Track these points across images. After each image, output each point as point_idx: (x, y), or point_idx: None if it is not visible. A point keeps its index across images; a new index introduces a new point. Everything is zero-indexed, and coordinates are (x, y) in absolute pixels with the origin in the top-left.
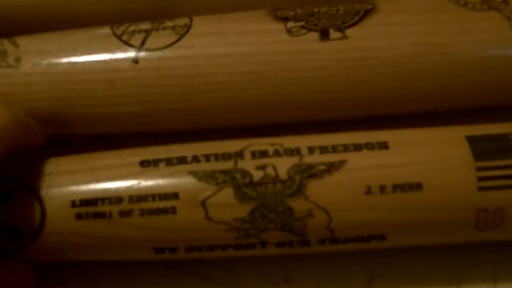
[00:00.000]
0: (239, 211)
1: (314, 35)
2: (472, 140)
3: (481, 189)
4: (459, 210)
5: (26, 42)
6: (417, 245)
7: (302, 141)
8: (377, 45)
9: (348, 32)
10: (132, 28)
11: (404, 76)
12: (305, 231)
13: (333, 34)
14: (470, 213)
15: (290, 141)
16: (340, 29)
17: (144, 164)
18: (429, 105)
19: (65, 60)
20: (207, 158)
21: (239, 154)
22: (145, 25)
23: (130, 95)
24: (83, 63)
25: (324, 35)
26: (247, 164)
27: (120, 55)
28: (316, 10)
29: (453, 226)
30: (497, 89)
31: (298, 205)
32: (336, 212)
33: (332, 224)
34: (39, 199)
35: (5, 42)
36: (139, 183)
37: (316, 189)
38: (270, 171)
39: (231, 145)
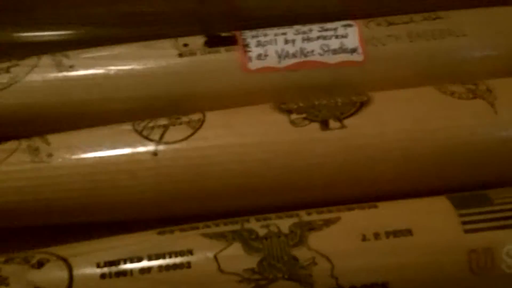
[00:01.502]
0: (248, 262)
1: (316, 125)
2: (451, 197)
3: (467, 231)
4: (450, 252)
5: (56, 140)
6: None
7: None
8: (374, 132)
9: (346, 122)
10: (151, 124)
11: (399, 160)
12: (311, 280)
13: (333, 124)
14: (461, 254)
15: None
16: (339, 119)
17: (161, 232)
18: (424, 185)
19: (91, 154)
20: (217, 224)
21: (245, 219)
22: (163, 121)
23: (151, 184)
24: (108, 156)
25: (325, 125)
26: (252, 225)
27: (141, 148)
28: (316, 103)
29: (448, 268)
30: (484, 168)
31: (302, 254)
32: (337, 258)
33: (335, 272)
34: (68, 264)
35: (37, 140)
36: (157, 244)
37: (317, 239)
38: (273, 228)
39: (236, 217)
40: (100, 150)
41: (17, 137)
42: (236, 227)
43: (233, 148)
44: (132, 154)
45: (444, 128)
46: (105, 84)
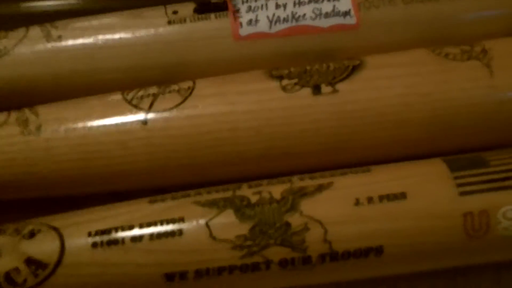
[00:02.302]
0: (240, 229)
1: (307, 91)
2: (447, 160)
3: (462, 194)
4: (445, 215)
5: (45, 111)
6: (416, 266)
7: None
8: (366, 97)
9: (339, 86)
10: (141, 93)
11: (392, 125)
12: (304, 245)
13: (325, 89)
14: (456, 217)
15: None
16: (331, 84)
17: (152, 201)
18: (418, 151)
19: (81, 125)
20: (208, 191)
21: (237, 186)
22: (153, 90)
23: (142, 154)
24: (98, 127)
25: (317, 90)
26: (244, 191)
27: (130, 118)
28: (308, 68)
29: (443, 232)
30: (480, 133)
31: (294, 220)
32: (330, 223)
33: (329, 236)
34: (59, 233)
35: (27, 112)
36: (148, 213)
37: (309, 205)
38: (265, 194)
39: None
40: (90, 120)
41: (6, 109)
42: (228, 194)
43: (223, 117)
44: (122, 124)
45: (438, 91)
46: (94, 54)
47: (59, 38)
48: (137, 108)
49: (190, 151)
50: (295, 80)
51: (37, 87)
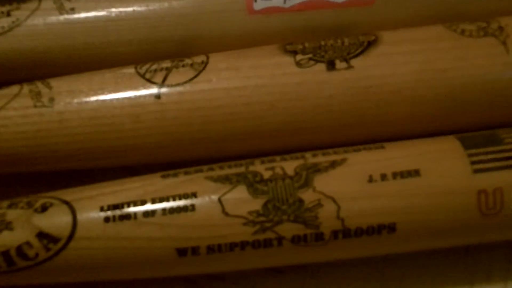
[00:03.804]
0: (253, 204)
1: (322, 66)
2: (461, 137)
3: (476, 171)
4: (459, 192)
5: (58, 83)
6: (429, 244)
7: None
8: (381, 73)
9: (353, 62)
10: (154, 67)
11: (408, 101)
12: (317, 222)
13: (339, 64)
14: (470, 195)
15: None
16: (346, 60)
17: (165, 175)
18: (433, 127)
19: (94, 98)
20: (221, 167)
21: (250, 162)
22: (166, 64)
23: (155, 128)
24: (111, 100)
25: (331, 65)
26: (257, 167)
27: (143, 91)
28: (323, 43)
29: (457, 210)
30: (495, 109)
31: (307, 196)
32: (343, 200)
33: (342, 213)
34: (71, 208)
35: (39, 84)
36: (161, 187)
37: (322, 181)
38: (278, 170)
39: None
40: (103, 93)
41: (19, 81)
42: (241, 169)
43: (237, 91)
44: (135, 98)
45: (453, 68)
46: (106, 27)
47: (72, 10)
48: (150, 82)
49: (203, 125)
50: (309, 55)
51: (49, 60)
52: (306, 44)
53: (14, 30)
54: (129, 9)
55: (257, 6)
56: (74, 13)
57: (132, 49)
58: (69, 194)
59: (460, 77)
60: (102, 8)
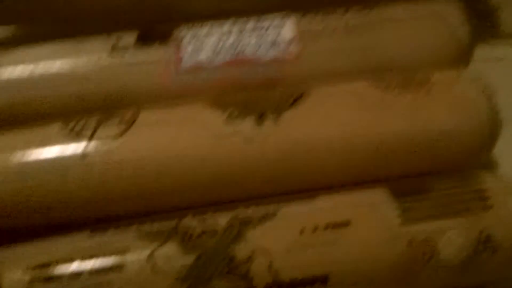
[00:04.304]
0: (184, 260)
1: (251, 120)
2: (390, 185)
3: (405, 222)
4: (389, 243)
5: None
6: None
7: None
8: (309, 128)
9: (282, 116)
10: (82, 122)
11: (337, 154)
12: (250, 274)
13: (269, 118)
14: (400, 245)
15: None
16: (276, 113)
17: (94, 230)
18: (366, 176)
19: (19, 154)
20: (152, 220)
21: (182, 215)
22: (94, 118)
23: (82, 184)
24: (37, 156)
25: (260, 119)
26: (189, 221)
27: (71, 147)
28: (253, 96)
29: (387, 260)
30: (423, 159)
31: (240, 249)
32: (275, 252)
33: (274, 265)
34: None
35: None
36: (89, 245)
37: (255, 234)
38: (210, 222)
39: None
40: (29, 149)
41: None
42: (172, 224)
43: (166, 146)
44: (62, 154)
45: (380, 123)
46: (30, 85)
47: None
48: (77, 137)
49: (132, 181)
50: (239, 109)
51: None
52: (236, 97)
53: None
54: (56, 65)
55: (186, 63)
56: None
57: (57, 106)
58: None
59: (386, 132)
60: (27, 65)
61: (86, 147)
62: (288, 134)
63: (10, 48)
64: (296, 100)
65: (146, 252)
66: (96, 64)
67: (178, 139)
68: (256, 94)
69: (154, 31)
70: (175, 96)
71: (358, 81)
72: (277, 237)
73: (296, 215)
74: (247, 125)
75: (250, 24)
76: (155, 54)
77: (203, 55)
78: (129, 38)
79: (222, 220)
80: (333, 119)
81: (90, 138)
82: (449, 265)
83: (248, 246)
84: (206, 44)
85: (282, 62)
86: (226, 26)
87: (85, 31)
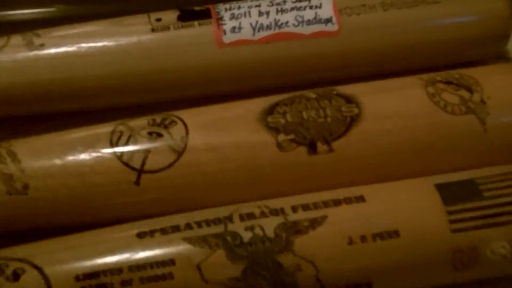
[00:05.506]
0: (232, 270)
1: (303, 150)
2: (440, 187)
3: (454, 231)
4: (436, 251)
5: (29, 164)
6: None
7: (286, 201)
8: (361, 155)
9: (335, 144)
10: (131, 148)
11: (384, 172)
12: (296, 285)
13: (321, 147)
14: (446, 253)
15: (275, 202)
16: (327, 142)
17: (141, 235)
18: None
19: (70, 180)
20: (199, 224)
21: (229, 218)
22: (143, 141)
23: (131, 209)
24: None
25: (312, 149)
26: (236, 226)
27: (121, 177)
28: (305, 116)
29: (431, 267)
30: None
31: (287, 260)
32: (322, 263)
33: (320, 276)
34: (45, 277)
35: (10, 164)
36: (137, 253)
37: (302, 244)
38: (258, 231)
39: (220, 211)
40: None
41: None
42: (219, 229)
43: (216, 175)
44: (113, 182)
45: (432, 147)
46: (75, 62)
47: (42, 46)
48: (128, 166)
49: (180, 207)
50: (291, 136)
51: (18, 96)
52: (288, 118)
53: None
54: (99, 44)
55: (227, 39)
56: (43, 49)
57: (98, 84)
58: (38, 256)
59: (437, 155)
60: (72, 44)
61: (137, 177)
62: (338, 162)
63: (54, 27)
64: (350, 124)
65: (195, 260)
66: (137, 42)
67: (227, 168)
68: (309, 112)
69: (193, 10)
70: (217, 72)
71: (417, 94)
72: (325, 246)
73: (344, 222)
74: (298, 155)
75: (288, 3)
76: (195, 32)
77: (244, 32)
78: (169, 17)
79: (270, 227)
80: (384, 146)
81: (141, 168)
82: (491, 270)
83: (296, 255)
84: (245, 22)
85: (322, 37)
86: (264, 5)
87: (126, 11)
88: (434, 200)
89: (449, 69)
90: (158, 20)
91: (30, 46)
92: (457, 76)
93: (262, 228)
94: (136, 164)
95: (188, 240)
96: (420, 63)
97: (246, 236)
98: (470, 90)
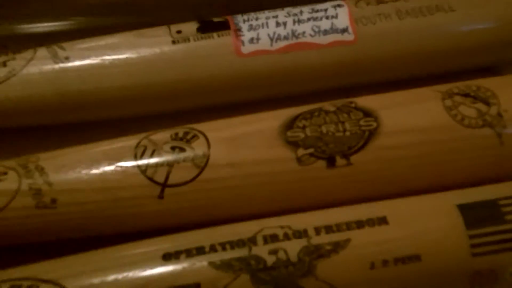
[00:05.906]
0: None
1: (322, 164)
2: (463, 209)
3: (475, 255)
4: (456, 274)
5: (57, 178)
6: None
7: (309, 221)
8: (380, 167)
9: (353, 158)
10: (155, 160)
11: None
12: None
13: (339, 161)
14: (465, 276)
15: (298, 222)
16: (346, 156)
17: (166, 257)
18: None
19: (94, 196)
20: (223, 247)
21: (252, 241)
22: (167, 155)
23: (154, 222)
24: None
25: (331, 163)
26: (260, 249)
27: (145, 190)
28: (324, 130)
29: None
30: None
31: (309, 284)
32: (345, 286)
33: None
34: None
35: (38, 179)
36: (162, 276)
37: (325, 268)
38: (281, 255)
39: (244, 230)
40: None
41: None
42: (244, 252)
43: (238, 190)
44: (136, 196)
45: (449, 161)
46: (100, 74)
47: (67, 59)
48: (152, 181)
49: (202, 221)
50: (311, 150)
51: (45, 107)
52: (308, 132)
53: (11, 79)
54: (122, 56)
55: (245, 50)
56: (68, 61)
57: (124, 94)
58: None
59: (454, 169)
60: (96, 56)
61: (161, 191)
62: (356, 175)
63: (78, 40)
64: (368, 138)
65: (220, 284)
66: (159, 54)
67: (248, 183)
68: (328, 126)
69: (212, 22)
70: (236, 81)
71: (434, 106)
72: (347, 271)
73: (367, 246)
74: (317, 169)
75: (304, 14)
76: (215, 43)
77: (262, 42)
78: (189, 29)
79: (293, 251)
80: (402, 160)
81: (165, 182)
82: None
83: (318, 279)
84: (263, 33)
85: (339, 46)
86: (281, 16)
87: (144, 24)
88: (456, 224)
89: (465, 75)
90: (179, 32)
91: (56, 58)
92: (474, 88)
93: (285, 252)
94: (160, 178)
95: (213, 264)
96: (436, 70)
97: (270, 260)
98: (487, 103)
